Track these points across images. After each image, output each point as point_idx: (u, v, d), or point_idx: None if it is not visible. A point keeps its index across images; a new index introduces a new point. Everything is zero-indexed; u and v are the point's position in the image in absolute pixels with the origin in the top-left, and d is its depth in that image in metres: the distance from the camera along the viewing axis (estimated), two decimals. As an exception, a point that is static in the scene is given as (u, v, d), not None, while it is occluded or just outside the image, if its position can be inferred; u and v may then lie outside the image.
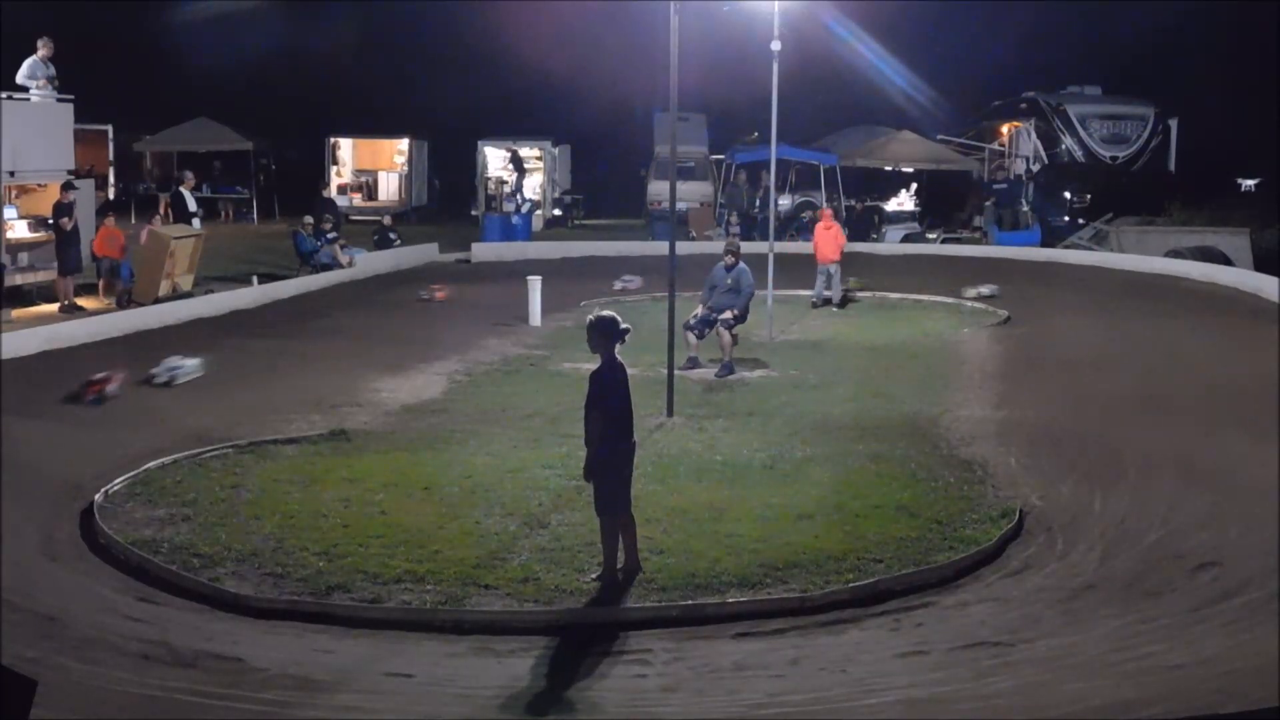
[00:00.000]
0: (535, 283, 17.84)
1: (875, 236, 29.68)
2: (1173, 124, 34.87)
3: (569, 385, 12.61)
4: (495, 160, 35.77)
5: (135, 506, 8.89)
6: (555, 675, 6.37)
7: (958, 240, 29.58)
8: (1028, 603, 7.27)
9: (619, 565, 7.49)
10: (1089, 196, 31.02)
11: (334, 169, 36.53)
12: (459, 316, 18.45)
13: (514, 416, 11.83)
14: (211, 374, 13.64)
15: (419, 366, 14.42)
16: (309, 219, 22.93)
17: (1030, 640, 6.65)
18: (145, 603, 7.26)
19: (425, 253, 26.06)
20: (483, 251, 26.78)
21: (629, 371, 7.69)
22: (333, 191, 32.60)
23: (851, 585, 7.42)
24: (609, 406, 7.48)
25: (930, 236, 30.09)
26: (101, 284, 18.98)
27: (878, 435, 11.07)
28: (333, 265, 22.27)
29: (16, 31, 20.53)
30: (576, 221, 36.71)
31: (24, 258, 18.49)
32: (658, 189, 31.62)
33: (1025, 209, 30.24)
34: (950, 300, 20.25)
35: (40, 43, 18.62)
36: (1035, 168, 33.94)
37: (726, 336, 14.23)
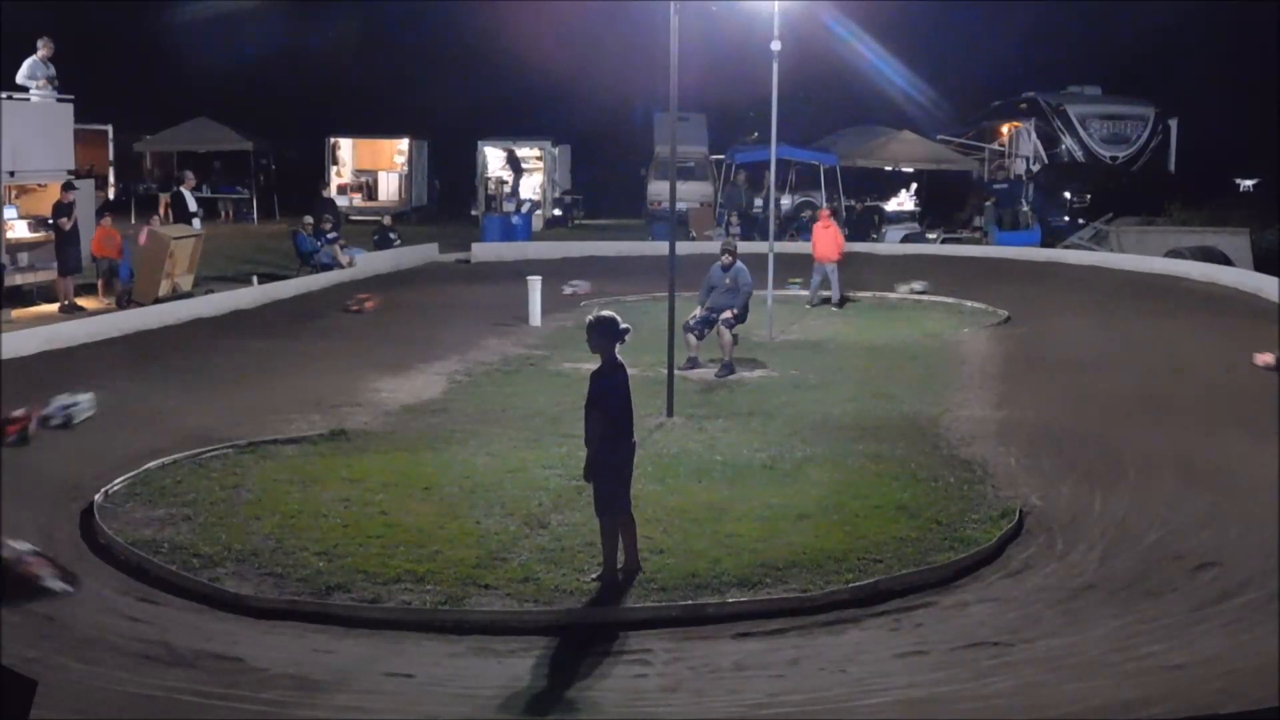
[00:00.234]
0: (535, 283, 17.84)
1: (875, 237, 29.67)
2: (1173, 124, 34.91)
3: (569, 385, 12.61)
4: (495, 160, 35.79)
5: (135, 507, 8.89)
6: (555, 675, 6.37)
7: (958, 240, 29.57)
8: (1027, 603, 7.26)
9: (619, 565, 7.48)
10: (1089, 196, 31.02)
11: (334, 169, 36.53)
12: (459, 317, 18.44)
13: (514, 416, 11.83)
14: (212, 374, 13.61)
15: (419, 366, 14.42)
16: (309, 219, 22.94)
17: (1030, 640, 6.65)
18: (145, 603, 7.25)
19: (425, 253, 26.09)
20: (483, 251, 26.80)
21: (629, 371, 7.68)
22: (333, 191, 32.63)
23: (851, 585, 7.41)
24: (609, 406, 7.47)
25: (930, 237, 30.06)
26: (100, 284, 18.99)
27: (877, 435, 11.06)
28: (333, 265, 22.28)
29: (16, 31, 20.55)
30: (576, 221, 36.73)
31: (24, 258, 18.49)
32: (658, 189, 31.65)
33: (1025, 209, 30.23)
34: (950, 300, 20.26)
35: (40, 43, 18.63)
36: (1035, 168, 33.96)
37: (727, 336, 14.23)
